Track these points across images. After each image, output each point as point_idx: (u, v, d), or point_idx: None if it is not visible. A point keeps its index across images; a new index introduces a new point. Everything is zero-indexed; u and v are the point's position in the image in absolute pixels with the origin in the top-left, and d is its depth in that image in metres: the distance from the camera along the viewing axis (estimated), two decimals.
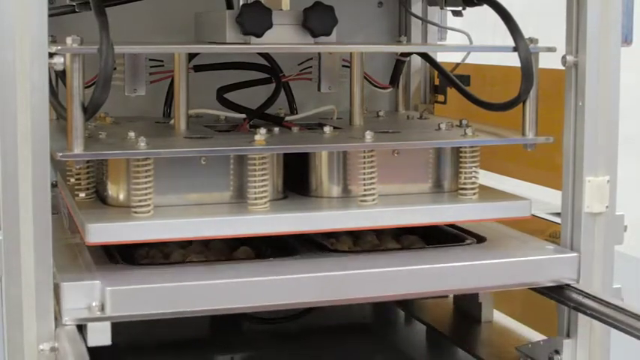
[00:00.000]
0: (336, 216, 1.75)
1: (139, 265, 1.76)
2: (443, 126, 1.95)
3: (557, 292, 1.81)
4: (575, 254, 1.81)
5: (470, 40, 2.32)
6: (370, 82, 2.28)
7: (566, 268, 1.81)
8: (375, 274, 1.70)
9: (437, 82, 2.53)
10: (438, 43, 2.54)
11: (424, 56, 2.35)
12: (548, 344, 1.86)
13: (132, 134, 1.73)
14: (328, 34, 1.87)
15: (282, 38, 1.84)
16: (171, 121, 2.02)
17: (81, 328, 1.54)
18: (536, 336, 2.02)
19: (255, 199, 1.72)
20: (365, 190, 1.79)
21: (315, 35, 1.86)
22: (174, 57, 1.96)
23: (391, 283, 1.71)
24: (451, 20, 2.46)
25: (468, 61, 2.37)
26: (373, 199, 1.79)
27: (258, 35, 1.82)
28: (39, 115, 1.48)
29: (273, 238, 1.82)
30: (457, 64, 2.38)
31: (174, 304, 1.60)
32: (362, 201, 1.79)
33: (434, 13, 2.49)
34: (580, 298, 1.77)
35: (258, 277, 1.64)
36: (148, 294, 1.59)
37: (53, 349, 1.50)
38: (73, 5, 1.96)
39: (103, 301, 1.55)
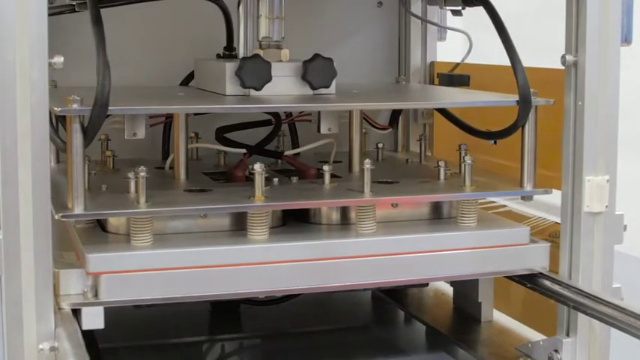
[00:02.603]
0: (335, 245, 1.76)
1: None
2: (442, 172, 1.94)
3: (532, 281, 1.86)
4: (546, 244, 1.86)
5: (469, 40, 2.32)
6: (370, 124, 2.28)
7: (538, 256, 1.85)
8: (351, 263, 1.74)
9: (436, 82, 2.53)
10: (438, 42, 2.54)
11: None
12: (547, 343, 1.86)
13: (132, 189, 1.72)
14: (327, 86, 1.90)
15: (282, 90, 1.88)
16: (169, 162, 2.05)
17: (76, 313, 1.59)
18: (535, 335, 2.01)
19: (254, 227, 1.74)
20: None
21: (314, 88, 1.89)
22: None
23: (369, 270, 1.75)
24: (451, 20, 2.46)
25: (467, 61, 2.37)
26: (372, 228, 1.80)
27: (258, 89, 1.85)
28: (39, 114, 1.48)
29: None
30: (457, 64, 2.38)
31: (166, 290, 1.64)
32: (361, 229, 1.80)
33: (433, 12, 2.49)
34: (574, 296, 1.78)
35: (251, 264, 1.68)
36: (140, 280, 1.63)
37: (53, 349, 1.50)
38: (73, 5, 1.96)
39: (96, 286, 1.60)
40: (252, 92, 1.87)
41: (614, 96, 1.81)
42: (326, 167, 1.87)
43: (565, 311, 1.84)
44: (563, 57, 1.80)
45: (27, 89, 1.47)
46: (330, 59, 1.90)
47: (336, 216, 1.86)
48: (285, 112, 2.20)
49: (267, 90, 1.86)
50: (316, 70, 1.89)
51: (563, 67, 1.82)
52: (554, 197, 1.93)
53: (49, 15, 1.49)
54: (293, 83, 1.90)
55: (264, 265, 1.69)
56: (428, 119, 2.51)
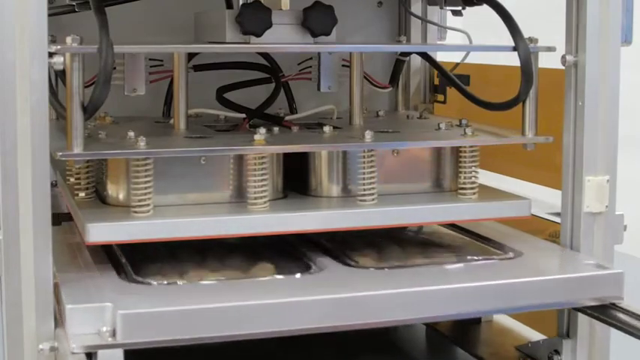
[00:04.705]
0: (335, 216, 1.75)
1: (152, 284, 1.65)
2: (442, 126, 1.95)
3: (600, 312, 1.69)
4: (619, 271, 1.69)
5: (470, 40, 2.32)
6: (370, 82, 2.28)
7: (610, 286, 1.69)
8: (401, 295, 1.59)
9: (436, 81, 2.53)
10: (438, 42, 2.54)
11: (424, 56, 2.36)
12: (548, 344, 1.86)
13: (131, 134, 1.73)
14: (328, 33, 1.87)
15: (282, 38, 1.84)
16: (171, 121, 2.03)
17: (91, 356, 1.43)
18: (536, 336, 2.01)
19: (255, 198, 1.73)
20: (364, 189, 1.79)
21: (314, 35, 1.86)
22: (174, 56, 1.96)
23: (419, 304, 1.60)
24: (451, 20, 2.46)
25: (467, 60, 2.37)
26: (373, 199, 1.79)
27: (258, 35, 1.81)
28: (39, 114, 1.48)
29: (289, 250, 1.84)
30: (457, 64, 2.38)
31: (192, 329, 1.49)
32: (361, 200, 1.79)
33: (434, 12, 2.49)
34: None
35: (281, 299, 1.54)
36: (164, 318, 1.47)
37: (53, 349, 1.50)
38: (73, 5, 1.96)
39: (114, 325, 1.44)
40: (253, 39, 1.82)
41: (614, 96, 1.81)
42: (326, 127, 1.86)
43: (565, 312, 1.84)
44: (563, 57, 1.81)
45: (27, 89, 1.47)
46: (330, 7, 1.86)
47: (336, 189, 1.85)
48: (283, 74, 2.18)
49: (267, 37, 1.82)
50: (317, 17, 1.85)
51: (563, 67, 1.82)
52: (554, 197, 1.93)
53: (49, 15, 1.49)
54: (293, 31, 1.85)
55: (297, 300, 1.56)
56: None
